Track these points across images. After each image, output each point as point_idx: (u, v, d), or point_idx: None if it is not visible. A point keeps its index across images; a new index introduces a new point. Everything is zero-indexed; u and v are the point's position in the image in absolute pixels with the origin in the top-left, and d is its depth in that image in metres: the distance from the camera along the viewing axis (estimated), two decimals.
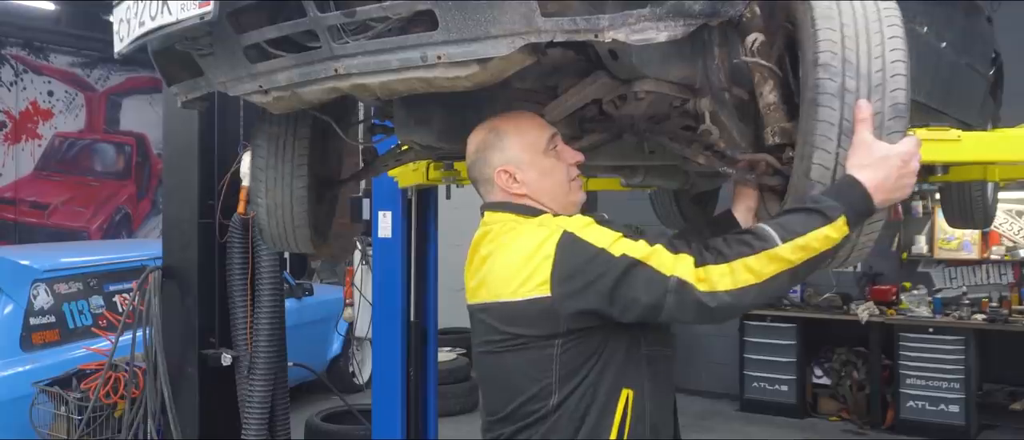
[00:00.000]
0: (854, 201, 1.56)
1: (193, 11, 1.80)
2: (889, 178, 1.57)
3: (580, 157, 1.91)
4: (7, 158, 9.82)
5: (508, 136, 1.85)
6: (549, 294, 1.67)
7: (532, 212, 1.82)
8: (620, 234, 1.67)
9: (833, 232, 1.55)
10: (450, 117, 2.03)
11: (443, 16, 1.59)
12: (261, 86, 1.97)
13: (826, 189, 1.60)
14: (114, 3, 2.12)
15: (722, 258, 1.56)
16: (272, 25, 1.87)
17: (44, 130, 10.17)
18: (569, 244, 1.67)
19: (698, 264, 1.57)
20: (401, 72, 1.70)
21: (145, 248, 6.15)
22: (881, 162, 1.56)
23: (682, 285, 1.56)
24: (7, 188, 9.83)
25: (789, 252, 1.54)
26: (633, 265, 1.60)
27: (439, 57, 1.63)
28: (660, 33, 1.50)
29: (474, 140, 1.89)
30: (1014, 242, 7.13)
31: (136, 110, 10.97)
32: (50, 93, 10.16)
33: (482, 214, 1.90)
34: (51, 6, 9.52)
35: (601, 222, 1.72)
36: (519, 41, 1.56)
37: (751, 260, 1.55)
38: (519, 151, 1.84)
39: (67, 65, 10.26)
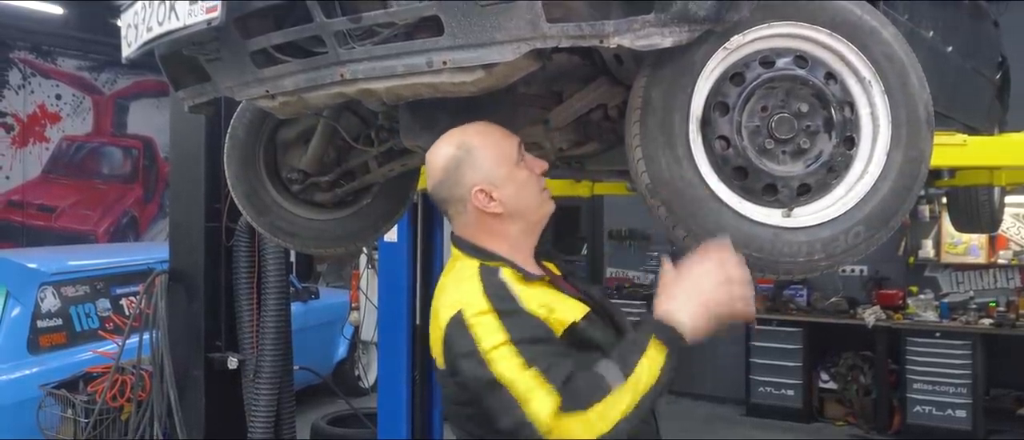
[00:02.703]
0: (661, 331, 1.55)
1: (201, 16, 1.81)
2: (701, 308, 1.57)
3: (545, 165, 1.83)
4: (15, 161, 9.87)
5: (479, 150, 1.73)
6: (442, 368, 1.70)
7: (476, 253, 1.74)
8: (507, 338, 1.54)
9: (655, 359, 1.52)
10: (456, 122, 2.02)
11: (449, 22, 1.59)
12: (268, 91, 1.98)
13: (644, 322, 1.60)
14: (122, 8, 2.13)
15: (578, 405, 1.47)
16: (278, 30, 1.88)
17: (51, 133, 10.21)
18: (455, 328, 1.61)
19: (561, 407, 1.47)
20: (407, 77, 1.71)
21: (151, 251, 6.16)
22: (686, 297, 1.58)
23: (536, 430, 1.47)
24: (15, 191, 9.88)
25: (632, 386, 1.49)
26: (496, 385, 1.52)
27: (445, 62, 1.64)
28: (665, 39, 1.50)
29: (440, 158, 1.75)
30: (1021, 246, 7.12)
31: (143, 113, 11.02)
32: (58, 96, 10.21)
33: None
34: (59, 9, 9.56)
35: (505, 312, 1.59)
36: (524, 46, 1.56)
37: (600, 406, 1.47)
38: (494, 166, 1.73)
39: (74, 68, 10.31)
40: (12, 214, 9.85)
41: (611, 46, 1.50)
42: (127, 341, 4.31)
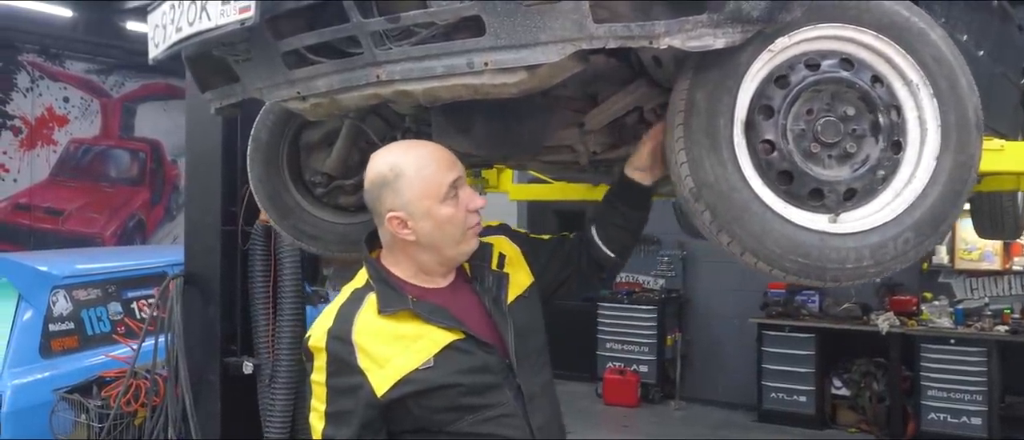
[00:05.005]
0: None
1: (233, 16, 1.77)
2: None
3: (481, 203, 1.79)
4: (23, 164, 9.86)
5: (406, 179, 1.72)
6: None
7: (369, 269, 1.80)
8: (323, 383, 1.70)
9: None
10: (491, 124, 1.99)
11: (491, 22, 1.56)
12: (299, 92, 1.95)
13: None
14: (149, 8, 2.10)
15: None
16: (312, 31, 1.85)
17: (59, 136, 10.20)
18: (306, 353, 1.77)
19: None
20: (446, 79, 1.67)
21: (163, 254, 6.12)
22: None
23: None
24: (22, 194, 9.86)
25: None
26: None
27: (486, 63, 1.60)
28: (718, 40, 1.46)
29: (372, 170, 1.77)
30: None
31: (151, 116, 11.00)
32: (66, 99, 10.20)
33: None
34: (67, 12, 9.53)
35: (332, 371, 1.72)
36: (570, 47, 1.52)
37: None
38: (415, 199, 1.71)
39: (83, 71, 10.29)
40: (20, 217, 9.83)
41: (661, 47, 1.46)
42: (142, 345, 4.27)
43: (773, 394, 7.61)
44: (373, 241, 1.87)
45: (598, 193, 4.72)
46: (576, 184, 4.51)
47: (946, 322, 7.03)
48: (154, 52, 2.08)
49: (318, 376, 1.72)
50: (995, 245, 7.06)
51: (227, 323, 4.22)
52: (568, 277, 2.00)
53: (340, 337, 1.70)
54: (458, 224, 1.76)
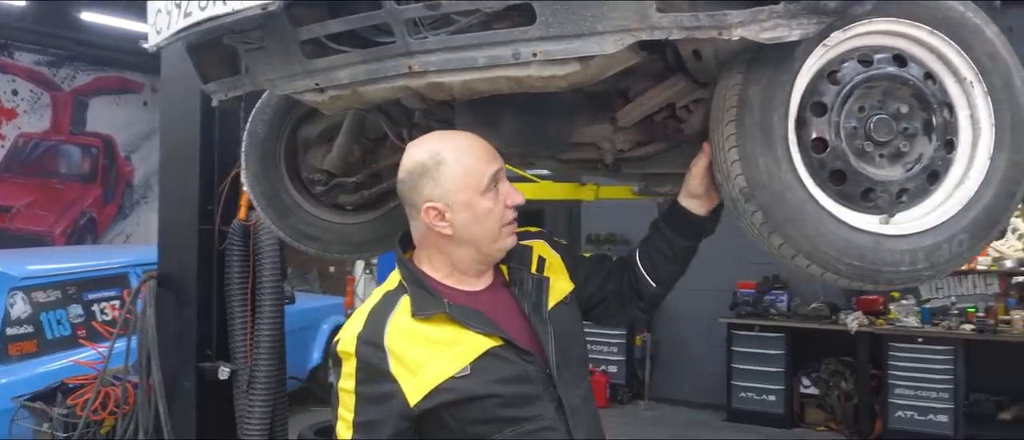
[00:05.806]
0: None
1: (254, 1, 1.65)
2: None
3: (521, 199, 1.70)
4: None
5: (446, 168, 1.63)
6: None
7: (402, 268, 1.71)
8: (352, 391, 1.60)
9: None
10: (521, 120, 1.90)
11: (543, 11, 1.47)
12: (317, 84, 1.83)
13: None
14: None
15: None
16: (334, 18, 1.73)
17: (7, 130, 9.82)
18: (334, 358, 1.66)
19: None
20: (488, 70, 1.57)
21: (125, 254, 5.92)
22: None
23: None
24: None
25: None
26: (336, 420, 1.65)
27: (535, 54, 1.50)
28: (792, 31, 1.39)
29: (411, 159, 1.67)
30: (1000, 253, 7.18)
31: (103, 111, 10.64)
32: (14, 92, 9.81)
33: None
34: (21, 3, 9.15)
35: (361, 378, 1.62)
36: (629, 38, 1.44)
37: None
38: (455, 189, 1.63)
39: (33, 63, 9.91)
40: None
41: (734, 38, 1.39)
42: (113, 349, 4.08)
43: (742, 394, 7.61)
44: (406, 243, 1.76)
45: (583, 193, 4.65)
46: (561, 184, 4.44)
47: (913, 321, 7.09)
48: (156, 39, 1.94)
49: (346, 383, 1.61)
50: None
51: (202, 326, 4.04)
52: (606, 297, 1.90)
53: (371, 342, 1.60)
54: (496, 219, 1.67)
